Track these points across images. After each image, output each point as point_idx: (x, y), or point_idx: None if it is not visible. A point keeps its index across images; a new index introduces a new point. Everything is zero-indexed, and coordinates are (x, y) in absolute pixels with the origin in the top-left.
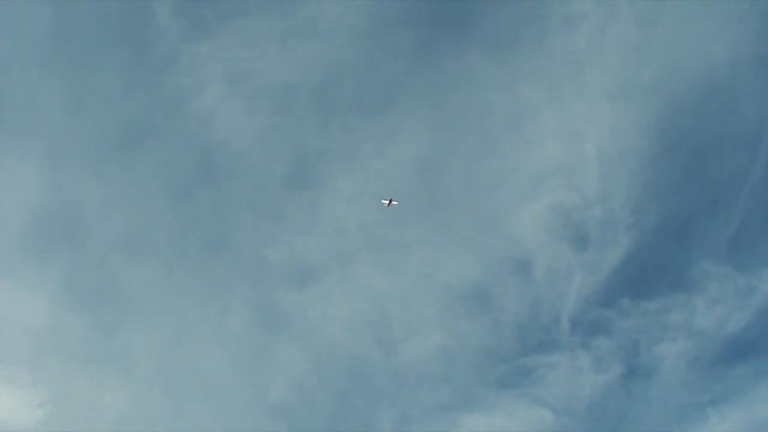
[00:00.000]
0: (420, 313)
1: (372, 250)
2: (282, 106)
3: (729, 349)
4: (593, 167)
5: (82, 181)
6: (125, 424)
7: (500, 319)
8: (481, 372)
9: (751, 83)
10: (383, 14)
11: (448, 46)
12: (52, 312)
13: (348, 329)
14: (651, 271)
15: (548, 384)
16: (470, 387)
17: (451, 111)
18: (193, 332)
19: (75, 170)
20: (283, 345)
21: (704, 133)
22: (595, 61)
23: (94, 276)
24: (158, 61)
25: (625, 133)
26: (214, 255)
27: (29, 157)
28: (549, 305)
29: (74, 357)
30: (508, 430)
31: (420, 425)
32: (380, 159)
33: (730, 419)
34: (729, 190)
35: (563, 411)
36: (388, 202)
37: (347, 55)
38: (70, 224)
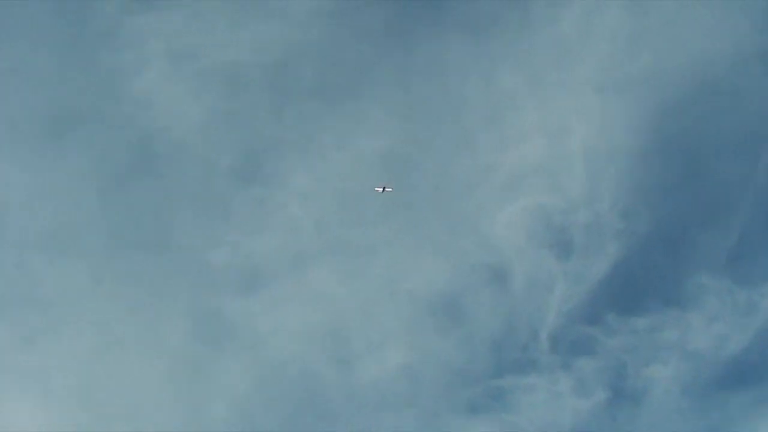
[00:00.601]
0: (382, 326)
1: (330, 252)
2: (232, 89)
3: (728, 372)
4: (579, 166)
5: (2, 170)
6: None
7: (472, 335)
8: (450, 394)
9: (754, 78)
10: None
11: (421, 27)
12: None
13: (300, 342)
14: (641, 284)
15: (524, 409)
16: (437, 411)
17: (422, 100)
18: (124, 343)
19: None
20: (225, 359)
21: (702, 131)
22: (583, 49)
23: (11, 277)
24: (94, 35)
25: (614, 130)
26: (149, 256)
27: None
28: (527, 320)
29: None
30: None
31: None
32: (341, 151)
33: None
34: (729, 194)
35: None
36: (382, 188)
37: (307, 34)
38: None
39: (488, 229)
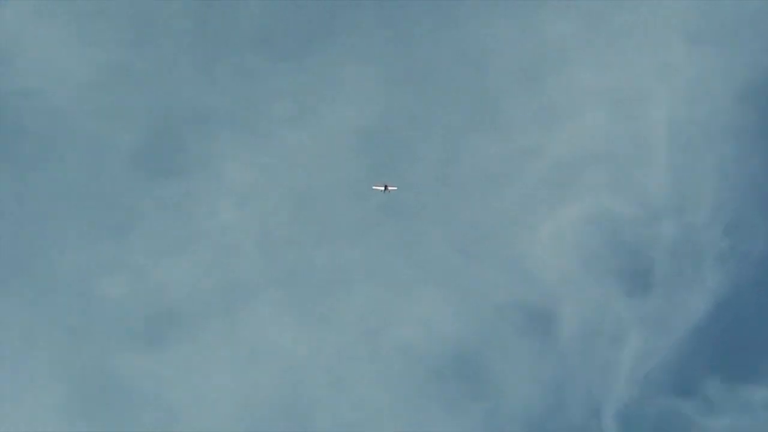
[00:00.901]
0: (361, 395)
1: (282, 284)
2: (136, 33)
3: None
4: (662, 153)
5: None
6: None
7: (498, 410)
8: None
9: None
10: None
11: None
12: None
13: (235, 419)
14: (757, 335)
15: None
16: None
17: (424, 53)
18: None
19: None
20: None
21: None
22: None
23: None
24: None
25: (714, 98)
26: (9, 285)
27: None
28: (583, 388)
29: None
30: None
31: None
32: (300, 128)
33: None
34: None
35: None
36: (383, 187)
37: None
38: None
39: (523, 249)
